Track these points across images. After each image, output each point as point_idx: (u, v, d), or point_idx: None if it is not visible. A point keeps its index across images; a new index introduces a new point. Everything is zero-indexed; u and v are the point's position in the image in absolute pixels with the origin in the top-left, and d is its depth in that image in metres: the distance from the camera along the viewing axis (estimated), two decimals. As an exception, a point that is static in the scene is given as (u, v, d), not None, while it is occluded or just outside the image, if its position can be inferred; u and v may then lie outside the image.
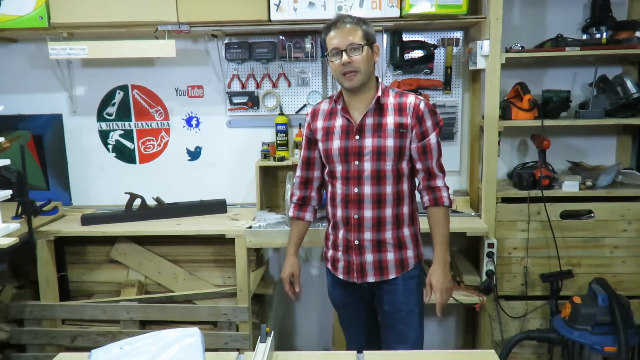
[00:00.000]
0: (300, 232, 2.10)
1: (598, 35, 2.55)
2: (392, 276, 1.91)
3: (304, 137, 2.03)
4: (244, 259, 2.57)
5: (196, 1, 2.48)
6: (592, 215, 2.60)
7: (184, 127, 3.01)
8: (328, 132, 1.91)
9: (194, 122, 3.00)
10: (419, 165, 1.89)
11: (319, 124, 1.95)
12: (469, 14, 2.48)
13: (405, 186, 1.90)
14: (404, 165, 1.88)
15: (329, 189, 1.97)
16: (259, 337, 1.52)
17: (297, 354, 1.71)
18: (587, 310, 2.32)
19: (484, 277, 2.55)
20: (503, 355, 2.46)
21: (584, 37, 2.61)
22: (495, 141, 2.55)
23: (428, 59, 2.79)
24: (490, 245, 2.53)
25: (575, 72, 2.82)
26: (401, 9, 2.46)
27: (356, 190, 1.87)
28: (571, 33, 2.64)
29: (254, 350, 1.49)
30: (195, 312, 2.66)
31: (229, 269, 2.81)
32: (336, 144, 1.88)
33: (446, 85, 2.82)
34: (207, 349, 1.44)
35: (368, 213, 1.87)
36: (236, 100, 2.91)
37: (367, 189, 1.86)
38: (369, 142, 1.84)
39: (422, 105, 1.85)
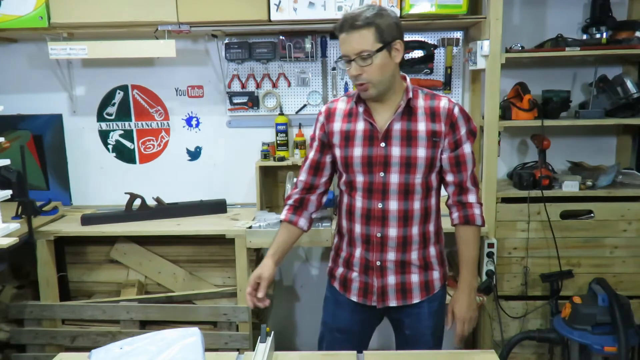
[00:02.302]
0: (289, 237, 1.78)
1: (598, 35, 2.54)
2: (416, 300, 1.72)
3: (315, 139, 1.75)
4: (244, 259, 2.57)
5: (196, 1, 2.47)
6: (592, 215, 2.60)
7: (184, 127, 3.01)
8: (348, 137, 1.66)
9: (194, 122, 3.00)
10: (449, 178, 1.68)
11: (336, 126, 1.69)
12: (469, 14, 2.48)
13: (433, 200, 1.70)
14: (433, 178, 1.67)
15: (345, 200, 1.72)
16: (259, 337, 1.52)
17: (297, 354, 1.71)
18: (587, 310, 2.31)
19: (484, 277, 2.55)
20: (503, 355, 2.46)
21: (584, 37, 2.60)
22: (495, 141, 2.55)
23: (428, 59, 2.79)
24: (490, 245, 2.53)
25: (575, 72, 2.82)
26: (401, 9, 2.46)
27: (380, 205, 1.64)
28: (571, 33, 2.64)
29: (254, 350, 1.49)
30: (195, 312, 2.66)
31: (229, 269, 2.81)
32: (358, 151, 1.64)
33: (446, 85, 2.82)
34: (207, 349, 1.44)
35: (393, 232, 1.66)
36: (236, 100, 2.91)
37: (393, 205, 1.64)
38: (396, 152, 1.61)
39: (456, 110, 1.64)
